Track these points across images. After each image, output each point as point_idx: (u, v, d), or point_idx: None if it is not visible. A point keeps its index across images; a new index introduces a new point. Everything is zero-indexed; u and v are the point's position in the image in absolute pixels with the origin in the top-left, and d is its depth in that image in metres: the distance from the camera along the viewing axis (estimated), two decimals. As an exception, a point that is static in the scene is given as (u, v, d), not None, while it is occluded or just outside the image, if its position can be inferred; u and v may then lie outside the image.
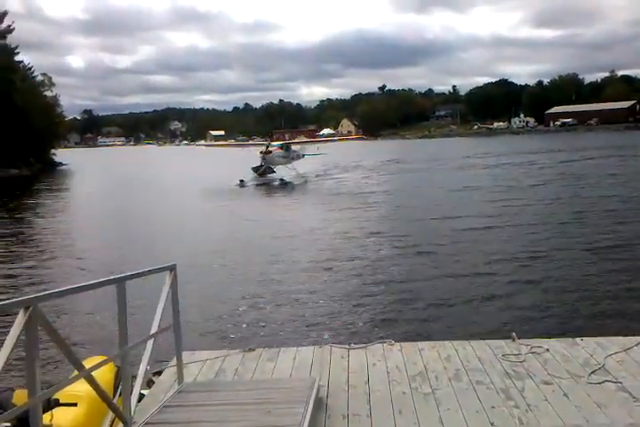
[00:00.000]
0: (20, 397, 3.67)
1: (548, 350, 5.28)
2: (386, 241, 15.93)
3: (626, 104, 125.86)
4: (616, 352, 5.13)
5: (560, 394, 4.40)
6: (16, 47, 65.14)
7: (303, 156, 42.26)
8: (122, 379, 3.83)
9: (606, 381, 4.58)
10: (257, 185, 36.55)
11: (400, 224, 19.00)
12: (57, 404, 3.64)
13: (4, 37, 63.26)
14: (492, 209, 21.00)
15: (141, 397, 4.41)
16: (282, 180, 36.94)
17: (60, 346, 3.07)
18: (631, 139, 68.78)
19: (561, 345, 5.40)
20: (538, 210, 20.59)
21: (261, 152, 38.64)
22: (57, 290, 3.38)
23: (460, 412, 4.18)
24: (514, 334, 5.65)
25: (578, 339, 5.57)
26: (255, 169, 39.09)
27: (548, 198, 23.39)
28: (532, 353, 5.22)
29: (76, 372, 3.29)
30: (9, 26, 64.22)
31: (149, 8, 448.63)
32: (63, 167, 66.89)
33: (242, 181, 36.42)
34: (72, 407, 3.82)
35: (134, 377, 4.08)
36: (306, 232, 17.60)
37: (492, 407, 4.22)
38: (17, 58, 65.66)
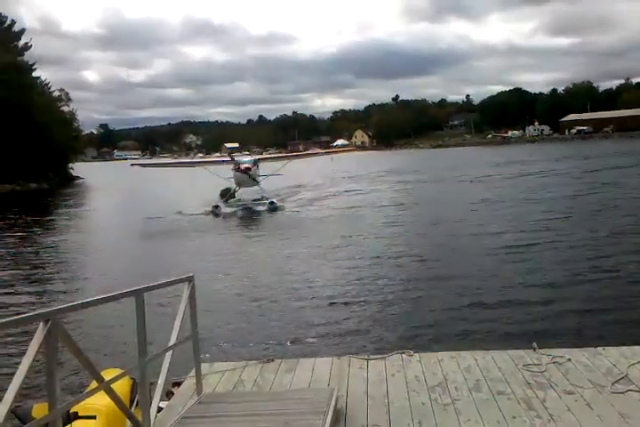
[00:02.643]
0: (38, 410, 3.70)
1: (569, 359, 5.21)
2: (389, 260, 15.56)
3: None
4: (639, 361, 5.05)
5: (583, 404, 4.33)
6: (34, 63, 66.47)
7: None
8: (140, 390, 3.84)
9: (630, 390, 4.50)
10: (233, 212, 28.50)
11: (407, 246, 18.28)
12: (76, 417, 3.66)
13: (22, 54, 64.48)
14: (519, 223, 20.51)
15: (159, 409, 4.41)
16: (272, 203, 28.67)
17: (80, 359, 3.09)
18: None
19: (583, 355, 5.32)
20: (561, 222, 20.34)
21: (238, 169, 30.08)
22: (76, 303, 3.39)
23: (480, 422, 4.13)
24: (534, 343, 5.58)
25: (600, 348, 5.48)
26: (224, 193, 31.37)
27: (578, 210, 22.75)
28: (554, 363, 5.15)
29: (94, 384, 3.30)
30: (26, 43, 65.57)
31: (164, 22, 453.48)
32: (80, 181, 67.71)
33: (216, 206, 28.15)
34: (91, 420, 3.83)
35: (153, 388, 4.09)
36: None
37: (514, 418, 4.17)
38: (34, 74, 67.02)
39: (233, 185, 31.49)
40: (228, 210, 28.61)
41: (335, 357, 5.79)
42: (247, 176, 29.98)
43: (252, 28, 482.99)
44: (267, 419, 4.04)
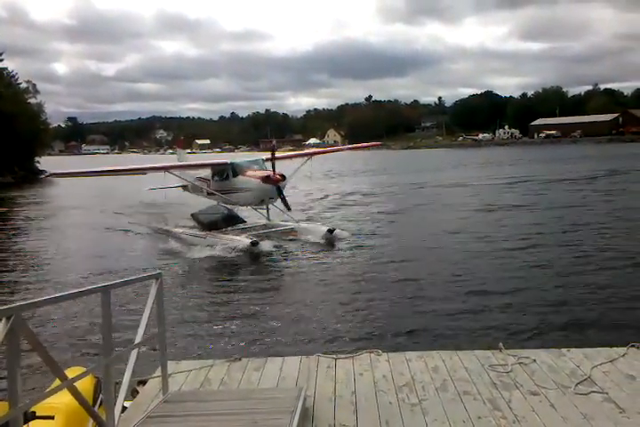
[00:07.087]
0: None
1: (534, 360, 5.29)
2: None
3: (608, 117, 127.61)
4: (602, 363, 5.14)
5: (547, 405, 4.40)
6: (1, 54, 64.92)
7: None
8: (104, 389, 3.77)
9: (593, 392, 4.59)
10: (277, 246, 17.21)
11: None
12: (33, 417, 3.55)
13: (-12, 44, 62.96)
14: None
15: (124, 408, 4.34)
16: (330, 230, 17.98)
17: (43, 356, 3.01)
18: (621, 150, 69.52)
19: (548, 356, 5.41)
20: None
21: (267, 180, 18.28)
22: (40, 299, 3.30)
23: (446, 422, 4.16)
24: (501, 344, 5.66)
25: (564, 350, 5.58)
26: (225, 219, 18.19)
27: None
28: (519, 364, 5.22)
29: (56, 382, 3.22)
30: (-7, 32, 63.98)
31: (137, 15, 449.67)
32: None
33: (255, 243, 16.39)
34: (49, 421, 3.72)
35: (117, 387, 4.02)
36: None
37: (479, 418, 4.21)
38: (1, 64, 65.45)
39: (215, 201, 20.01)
40: (269, 245, 17.06)
41: (303, 356, 5.77)
42: (277, 190, 18.63)
43: (228, 24, 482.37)
44: (234, 418, 4.01)
